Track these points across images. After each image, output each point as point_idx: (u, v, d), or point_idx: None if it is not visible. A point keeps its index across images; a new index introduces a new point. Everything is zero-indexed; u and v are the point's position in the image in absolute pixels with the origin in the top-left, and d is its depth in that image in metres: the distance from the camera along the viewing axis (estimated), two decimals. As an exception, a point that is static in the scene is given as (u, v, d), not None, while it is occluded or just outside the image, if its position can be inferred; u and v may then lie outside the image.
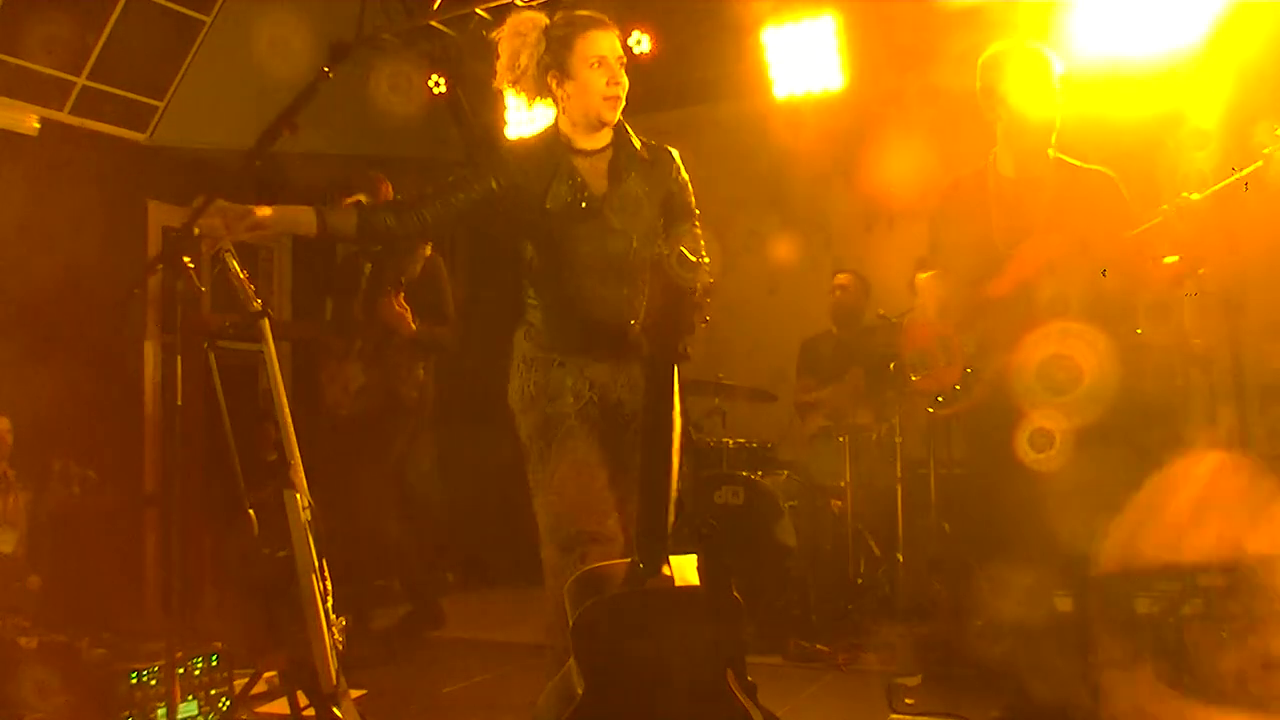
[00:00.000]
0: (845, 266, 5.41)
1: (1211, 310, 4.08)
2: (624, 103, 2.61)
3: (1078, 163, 2.91)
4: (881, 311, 4.82)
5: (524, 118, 6.63)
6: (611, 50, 2.59)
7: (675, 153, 2.75)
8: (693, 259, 2.26)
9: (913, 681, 3.56)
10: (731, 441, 4.88)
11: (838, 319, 5.33)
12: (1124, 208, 2.82)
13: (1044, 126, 2.86)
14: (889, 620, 4.23)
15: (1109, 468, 2.65)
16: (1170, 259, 2.74)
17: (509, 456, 7.83)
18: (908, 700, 3.33)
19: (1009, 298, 2.83)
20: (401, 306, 3.97)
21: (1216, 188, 2.61)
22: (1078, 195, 2.84)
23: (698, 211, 2.74)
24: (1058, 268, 2.78)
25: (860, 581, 4.58)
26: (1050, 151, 2.90)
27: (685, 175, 2.74)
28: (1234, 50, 4.91)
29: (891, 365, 3.77)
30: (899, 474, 4.58)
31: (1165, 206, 2.66)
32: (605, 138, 2.67)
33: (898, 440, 4.61)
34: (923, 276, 3.06)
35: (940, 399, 3.03)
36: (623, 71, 2.59)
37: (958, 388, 2.96)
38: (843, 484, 4.61)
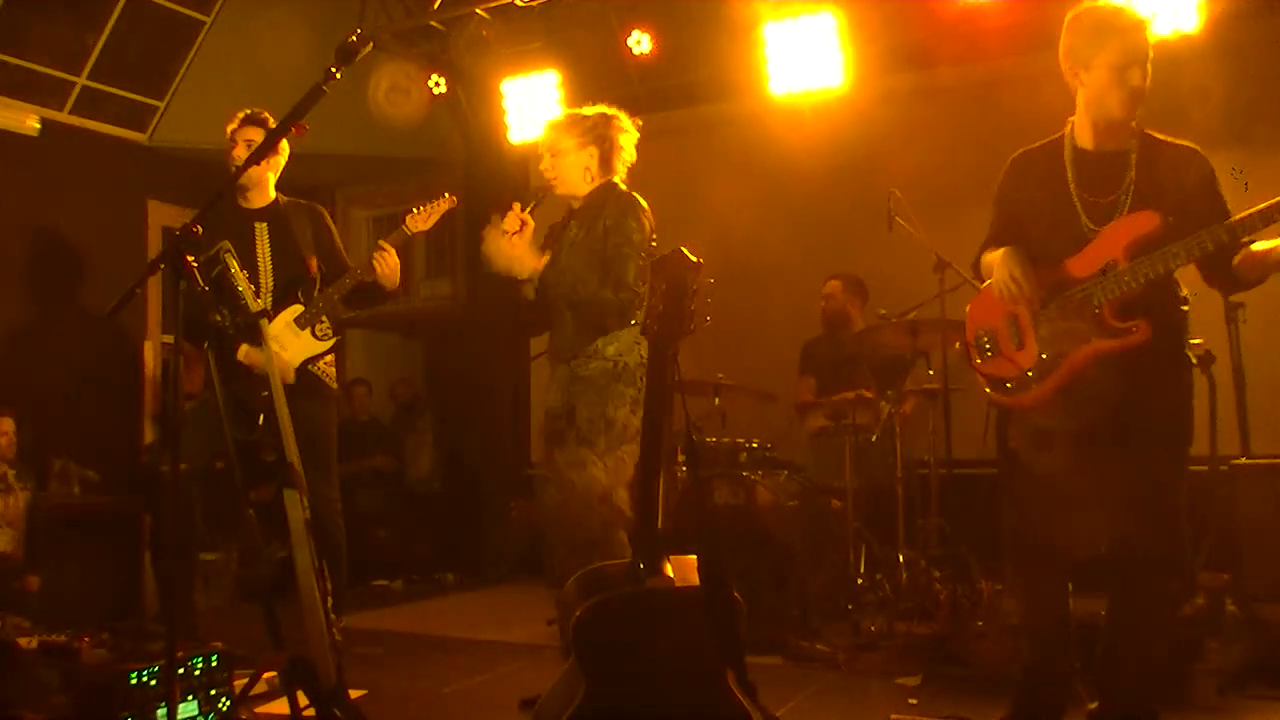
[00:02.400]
0: (837, 270, 5.40)
1: (1211, 310, 4.08)
2: (556, 184, 3.45)
3: (1164, 137, 2.68)
4: (883, 311, 4.82)
5: (525, 120, 6.63)
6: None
7: (621, 199, 3.36)
8: (693, 259, 2.27)
9: (913, 681, 3.56)
10: (731, 441, 4.88)
11: (828, 326, 5.34)
12: (1216, 186, 2.62)
13: (1132, 94, 2.58)
14: (889, 620, 4.23)
15: (1111, 468, 2.63)
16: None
17: (508, 456, 7.81)
18: (910, 701, 3.33)
19: (1092, 279, 2.62)
20: (395, 259, 3.87)
21: None
22: (1166, 171, 2.61)
23: (625, 250, 3.26)
24: (1149, 247, 2.54)
25: (860, 581, 4.58)
26: (1134, 123, 2.66)
27: (618, 218, 3.32)
28: (1233, 46, 4.93)
29: (956, 345, 3.53)
30: (899, 474, 4.58)
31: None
32: (580, 197, 3.46)
33: (898, 440, 4.61)
34: (996, 253, 2.76)
35: (1009, 384, 2.75)
36: (549, 160, 3.43)
37: (1030, 373, 2.70)
38: (842, 484, 4.61)
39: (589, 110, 3.44)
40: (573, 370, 3.37)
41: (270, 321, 3.82)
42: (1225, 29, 4.94)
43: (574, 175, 3.40)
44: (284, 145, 3.96)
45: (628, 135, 3.43)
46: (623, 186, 3.42)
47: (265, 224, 3.93)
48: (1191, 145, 2.66)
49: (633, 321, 3.27)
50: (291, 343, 3.86)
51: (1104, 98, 2.61)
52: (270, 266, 3.90)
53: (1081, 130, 2.72)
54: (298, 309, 3.87)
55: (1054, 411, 2.67)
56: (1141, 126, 2.67)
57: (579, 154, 3.39)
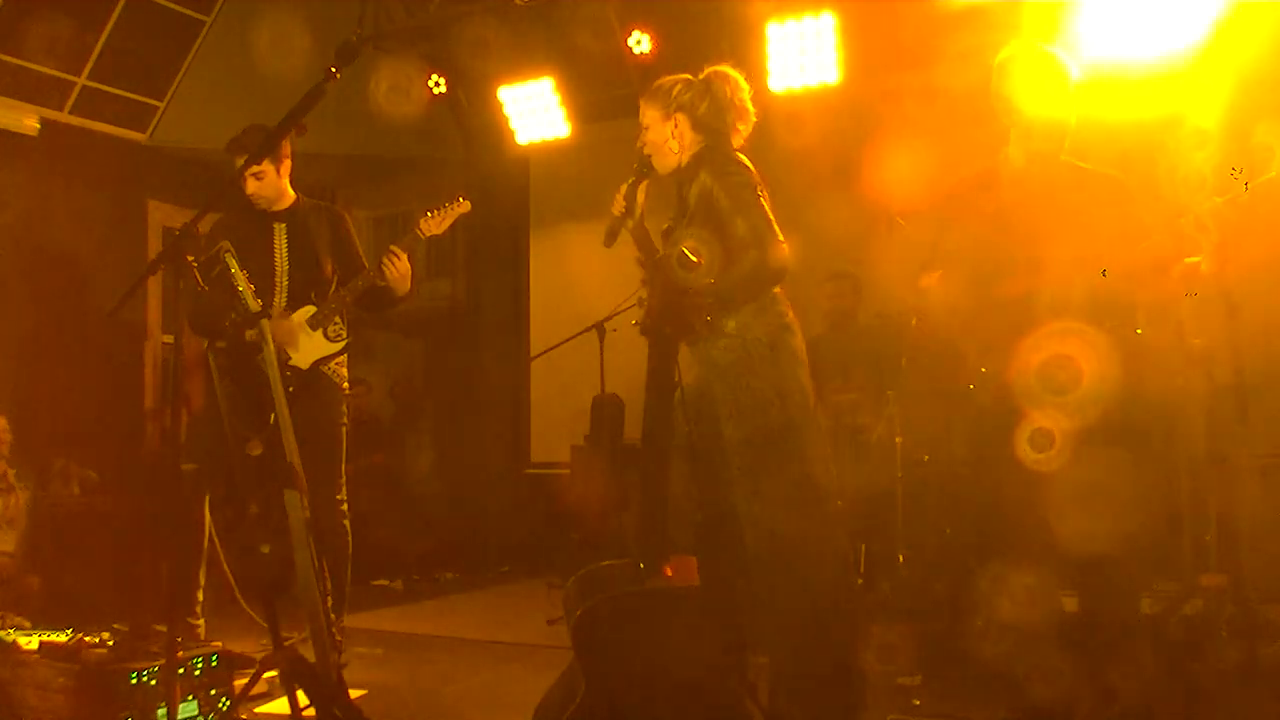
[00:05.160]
0: (838, 268, 5.41)
1: (1211, 310, 4.08)
2: (654, 160, 3.02)
3: (1088, 166, 2.92)
4: (881, 311, 4.82)
5: (526, 123, 6.63)
6: None
7: (714, 156, 2.96)
8: (693, 259, 2.27)
9: (913, 681, 3.55)
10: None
11: (833, 323, 5.34)
12: (1134, 212, 2.83)
13: (1056, 131, 2.86)
14: (889, 620, 4.22)
15: (1110, 468, 2.64)
16: (1190, 260, 2.72)
17: (508, 456, 7.77)
18: (915, 701, 3.33)
19: (1021, 298, 2.83)
20: (405, 264, 3.89)
21: (1230, 195, 2.59)
22: (1089, 198, 2.84)
23: (744, 195, 2.87)
24: (1072, 269, 2.75)
25: (860, 581, 4.58)
26: (1062, 155, 2.92)
27: (715, 175, 2.93)
28: (1234, 51, 4.92)
29: (903, 361, 3.64)
30: (899, 474, 4.58)
31: (1185, 217, 2.63)
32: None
33: (898, 440, 4.60)
34: (929, 278, 3.02)
35: (952, 399, 3.01)
36: (643, 137, 3.03)
37: (971, 386, 2.92)
38: (843, 484, 4.61)
39: (676, 78, 3.07)
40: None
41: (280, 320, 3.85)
42: (1225, 29, 4.93)
43: (663, 149, 3.02)
44: (286, 149, 3.96)
45: (725, 90, 3.00)
46: (720, 148, 2.99)
47: (284, 225, 3.95)
48: (1112, 173, 2.90)
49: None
50: (304, 343, 3.87)
51: (1025, 134, 2.89)
52: (287, 266, 3.92)
53: (1014, 161, 2.95)
54: (311, 309, 3.89)
55: (1046, 413, 2.75)
56: (1069, 158, 2.92)
57: (663, 125, 3.02)
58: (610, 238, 3.00)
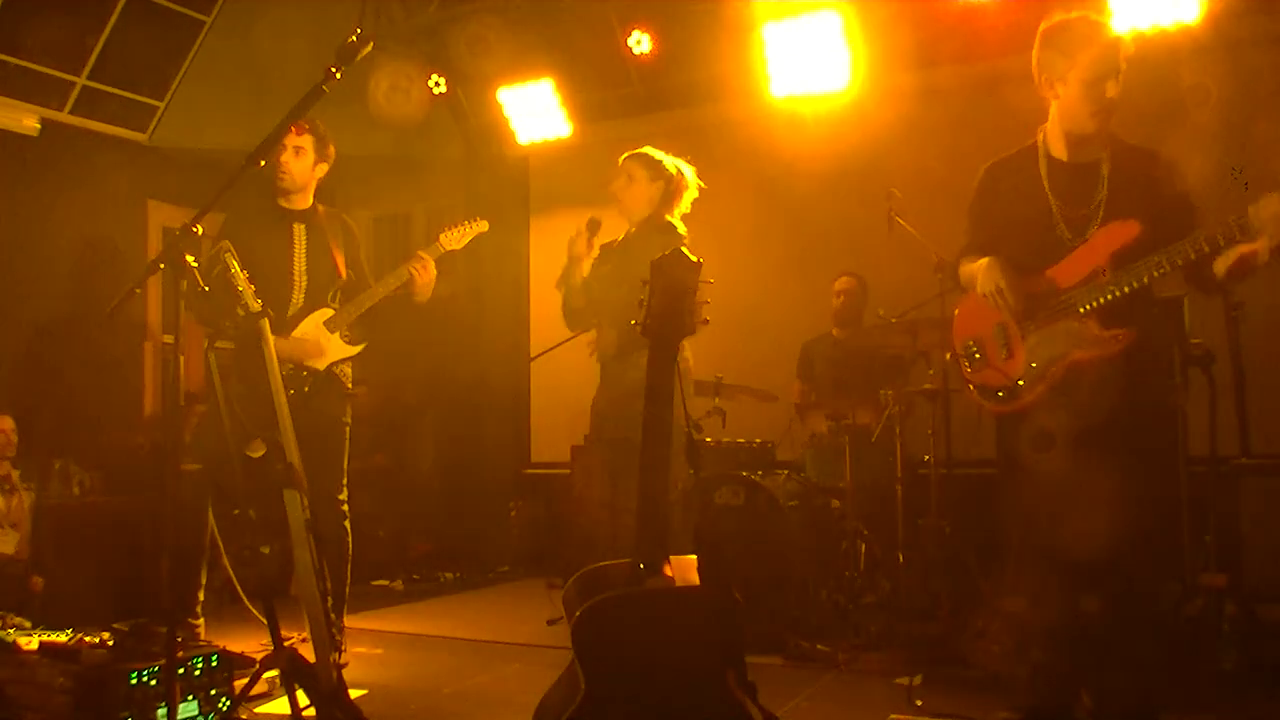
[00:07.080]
0: (844, 268, 5.41)
1: (1211, 310, 4.08)
2: (622, 204, 3.84)
3: (1130, 142, 2.73)
4: (881, 312, 4.82)
5: (526, 124, 6.63)
6: None
7: (670, 234, 3.76)
8: (693, 259, 2.27)
9: (913, 681, 3.55)
10: (731, 441, 4.88)
11: (840, 323, 5.34)
12: (1184, 186, 2.65)
13: (1105, 106, 2.62)
14: (889, 620, 4.23)
15: (1112, 468, 2.64)
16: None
17: (508, 456, 7.77)
18: (917, 702, 3.33)
19: (1060, 290, 2.68)
20: (433, 270, 3.96)
21: None
22: (1136, 176, 2.65)
23: None
24: (1132, 255, 2.57)
25: (860, 582, 4.58)
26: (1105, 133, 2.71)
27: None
28: (1233, 44, 4.92)
29: (947, 356, 3.55)
30: (899, 474, 4.58)
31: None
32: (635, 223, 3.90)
33: (898, 440, 4.60)
34: (980, 263, 2.78)
35: (1000, 394, 2.78)
36: (623, 181, 3.82)
37: (1021, 382, 2.73)
38: (843, 484, 4.61)
39: (671, 158, 3.85)
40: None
41: (301, 320, 3.88)
42: (1225, 26, 4.94)
43: (641, 203, 3.79)
44: (331, 153, 4.03)
45: (692, 191, 3.84)
46: (679, 226, 3.78)
47: (304, 226, 3.99)
48: (1151, 149, 2.70)
49: None
50: (323, 344, 3.89)
51: (1077, 111, 2.66)
52: (305, 267, 3.95)
53: (1055, 140, 2.76)
54: (328, 312, 3.92)
55: (1052, 414, 2.69)
56: (1111, 132, 2.69)
57: (649, 186, 3.78)
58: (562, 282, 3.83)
